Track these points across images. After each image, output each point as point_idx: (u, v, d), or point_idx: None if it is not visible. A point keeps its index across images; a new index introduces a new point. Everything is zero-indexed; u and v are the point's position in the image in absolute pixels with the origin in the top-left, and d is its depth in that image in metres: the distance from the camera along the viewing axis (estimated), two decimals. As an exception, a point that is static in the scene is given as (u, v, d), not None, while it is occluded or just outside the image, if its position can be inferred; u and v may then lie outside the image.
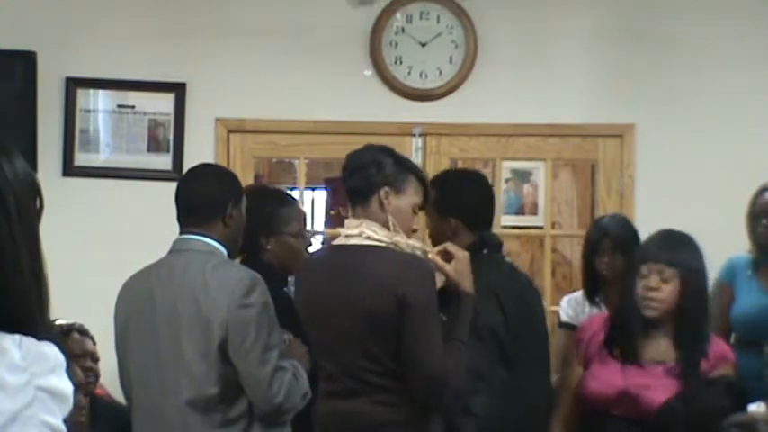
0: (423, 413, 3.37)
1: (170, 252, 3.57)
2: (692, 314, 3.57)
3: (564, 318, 4.84)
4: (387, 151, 3.47)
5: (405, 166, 3.47)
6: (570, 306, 4.83)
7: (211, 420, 3.40)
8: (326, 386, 3.43)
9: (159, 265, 3.56)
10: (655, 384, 3.50)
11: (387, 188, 3.39)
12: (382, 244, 3.36)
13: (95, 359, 4.30)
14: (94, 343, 4.38)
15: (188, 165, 5.22)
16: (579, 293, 4.79)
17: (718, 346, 3.62)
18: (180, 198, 3.60)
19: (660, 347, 3.61)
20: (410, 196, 3.44)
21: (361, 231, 3.37)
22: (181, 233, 3.57)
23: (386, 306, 3.28)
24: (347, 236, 3.41)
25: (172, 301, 3.44)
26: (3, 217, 1.62)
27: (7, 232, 1.61)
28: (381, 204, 3.38)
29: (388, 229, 3.38)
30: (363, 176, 3.39)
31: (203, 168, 3.81)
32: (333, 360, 3.40)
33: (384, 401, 3.33)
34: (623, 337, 3.64)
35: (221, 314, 3.37)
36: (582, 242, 6.36)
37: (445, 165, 5.59)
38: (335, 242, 3.47)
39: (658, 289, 3.56)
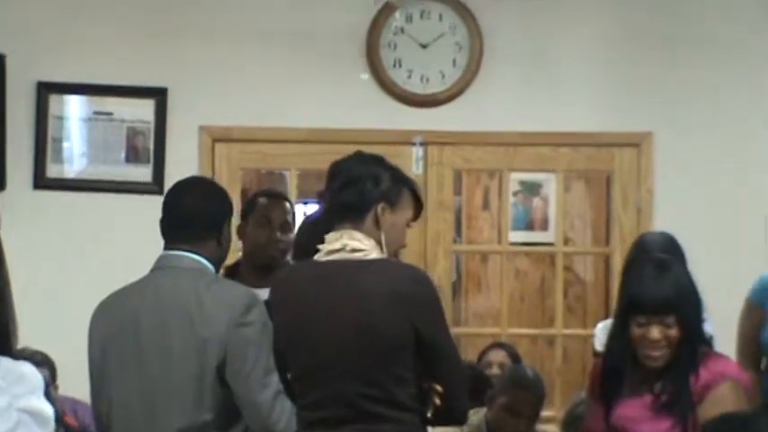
0: None
1: (154, 269, 3.54)
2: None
3: (598, 347, 4.77)
4: (381, 163, 3.46)
5: (399, 178, 3.47)
6: (604, 334, 4.73)
7: None
8: (309, 415, 3.37)
9: (143, 284, 3.52)
10: (642, 416, 3.49)
11: (383, 204, 3.39)
12: (372, 255, 3.35)
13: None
14: (51, 369, 4.33)
15: (170, 176, 5.34)
16: None
17: (718, 364, 3.51)
18: (171, 212, 3.59)
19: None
20: (405, 211, 3.46)
21: (343, 244, 3.36)
22: (166, 249, 3.55)
23: (397, 324, 3.29)
24: (329, 251, 3.38)
25: (160, 322, 3.41)
26: None
27: None
28: (377, 221, 3.39)
29: (381, 247, 3.38)
30: (359, 191, 3.38)
31: (197, 182, 3.85)
32: (320, 386, 3.35)
33: (379, 431, 3.31)
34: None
35: (219, 333, 3.35)
36: (596, 260, 6.30)
37: (448, 176, 5.64)
38: (317, 258, 3.42)
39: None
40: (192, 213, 3.54)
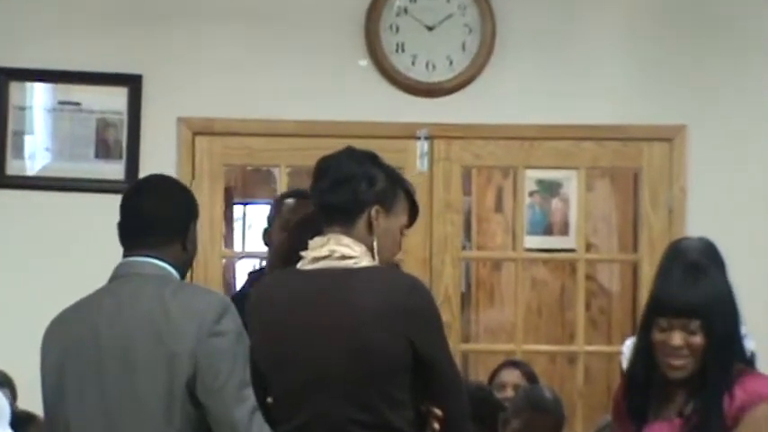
0: None
1: (112, 279, 3.51)
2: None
3: (625, 366, 4.61)
4: (376, 161, 3.46)
5: (395, 179, 3.48)
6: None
7: None
8: None
9: (101, 296, 3.48)
10: None
11: (377, 207, 3.38)
12: (363, 263, 3.34)
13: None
14: (11, 389, 4.41)
15: (144, 174, 5.07)
16: None
17: (755, 384, 3.45)
18: (130, 214, 3.57)
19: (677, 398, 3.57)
20: (399, 216, 3.46)
21: (331, 250, 3.32)
22: (126, 255, 3.52)
23: (391, 339, 3.26)
24: (314, 258, 3.34)
25: (123, 336, 3.37)
26: None
27: None
28: (369, 226, 3.38)
29: (372, 255, 3.37)
30: (351, 191, 3.37)
31: (158, 180, 3.82)
32: (305, 410, 3.31)
33: None
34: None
35: (189, 345, 3.31)
36: (622, 268, 6.20)
37: (456, 173, 5.57)
38: (300, 266, 3.39)
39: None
40: (153, 216, 3.54)
